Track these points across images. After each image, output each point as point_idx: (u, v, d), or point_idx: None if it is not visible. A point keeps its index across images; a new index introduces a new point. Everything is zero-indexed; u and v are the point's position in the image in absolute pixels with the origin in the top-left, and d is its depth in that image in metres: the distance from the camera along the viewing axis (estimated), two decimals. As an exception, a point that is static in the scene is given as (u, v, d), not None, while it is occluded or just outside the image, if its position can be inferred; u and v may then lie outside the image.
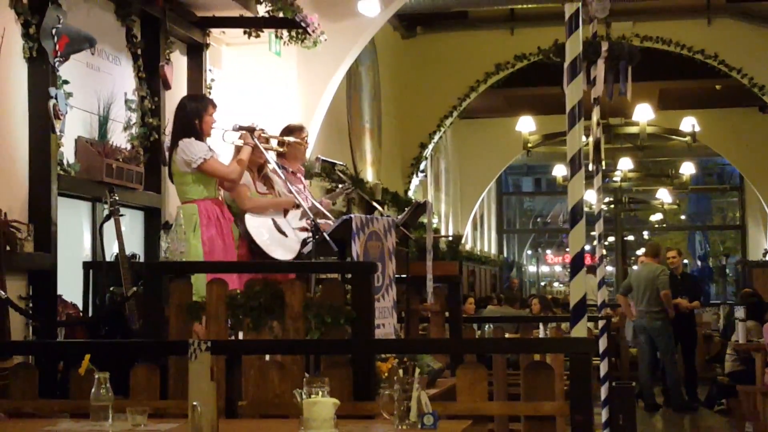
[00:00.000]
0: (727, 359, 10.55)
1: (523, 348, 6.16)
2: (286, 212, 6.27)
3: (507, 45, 15.30)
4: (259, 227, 6.05)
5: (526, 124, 13.36)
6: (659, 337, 11.11)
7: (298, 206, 6.07)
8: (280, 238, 6.09)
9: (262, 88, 9.00)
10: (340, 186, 7.04)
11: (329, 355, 4.65)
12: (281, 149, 6.40)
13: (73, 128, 6.68)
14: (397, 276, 5.76)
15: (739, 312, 10.46)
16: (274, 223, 6.14)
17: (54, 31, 6.13)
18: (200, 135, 5.88)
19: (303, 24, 8.25)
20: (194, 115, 5.90)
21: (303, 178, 6.73)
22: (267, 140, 6.22)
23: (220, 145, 6.20)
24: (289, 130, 6.71)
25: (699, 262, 30.90)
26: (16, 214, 5.90)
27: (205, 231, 5.72)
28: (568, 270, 4.08)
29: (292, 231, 6.16)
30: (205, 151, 5.79)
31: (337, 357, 4.60)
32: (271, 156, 6.17)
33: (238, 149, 6.01)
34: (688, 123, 13.83)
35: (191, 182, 5.82)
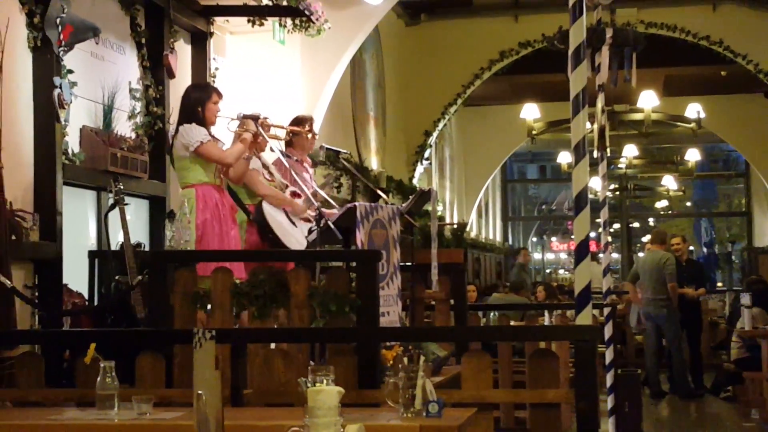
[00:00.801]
0: (733, 346, 10.54)
1: (528, 335, 6.15)
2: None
3: (511, 32, 15.25)
4: (275, 215, 6.08)
5: (531, 112, 13.34)
6: (666, 324, 11.10)
7: (307, 219, 6.11)
8: (291, 228, 6.13)
9: (266, 76, 9.00)
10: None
11: (334, 343, 4.66)
12: (285, 138, 6.41)
13: (78, 117, 6.69)
14: (401, 264, 5.76)
15: (745, 299, 10.44)
16: (286, 213, 6.18)
17: (58, 20, 6.13)
18: (203, 123, 5.88)
19: (307, 12, 8.24)
20: (197, 103, 5.91)
21: (309, 168, 6.75)
22: (271, 129, 6.23)
23: (226, 135, 6.20)
24: (297, 121, 6.72)
25: (705, 249, 30.87)
26: (22, 204, 5.91)
27: (200, 215, 5.71)
28: (573, 257, 4.07)
29: (300, 222, 6.20)
30: (203, 135, 5.78)
31: (342, 345, 4.61)
32: (276, 145, 6.17)
33: (238, 136, 6.02)
34: (693, 109, 13.80)
35: (189, 166, 5.83)
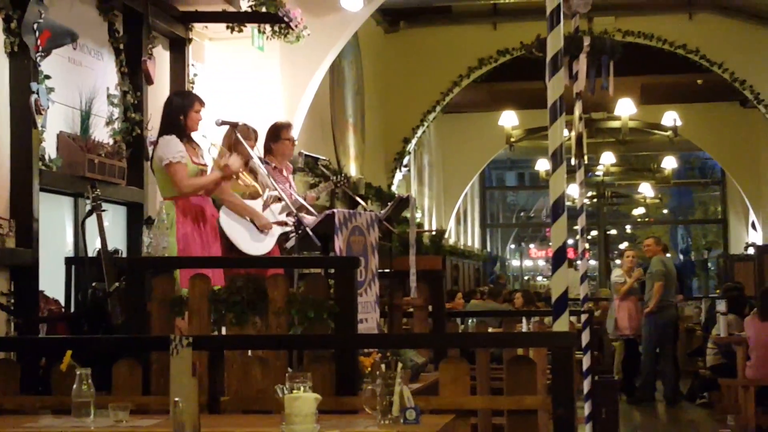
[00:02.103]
0: (709, 353, 10.60)
1: (506, 342, 6.15)
2: (265, 206, 6.25)
3: (490, 40, 15.33)
4: (232, 221, 6.02)
5: (509, 119, 13.40)
6: (669, 329, 11.19)
7: (284, 223, 6.07)
8: (254, 233, 6.06)
9: (245, 82, 8.98)
10: (328, 181, 7.02)
11: (312, 350, 4.65)
12: (263, 157, 6.37)
13: (55, 123, 6.65)
14: (380, 271, 5.76)
15: (721, 305, 10.50)
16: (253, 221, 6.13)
17: (35, 25, 6.10)
18: (184, 131, 5.84)
19: (286, 19, 8.24)
20: (179, 111, 5.87)
21: (289, 175, 6.73)
22: (250, 138, 6.19)
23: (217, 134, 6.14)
24: (276, 128, 6.69)
25: (681, 256, 31.05)
26: (-2, 210, 5.88)
27: (180, 228, 5.66)
28: (551, 264, 4.09)
29: (275, 229, 6.16)
30: (175, 153, 5.67)
31: (319, 352, 4.61)
32: (254, 152, 6.15)
33: (217, 166, 5.91)
34: (670, 117, 13.90)
35: (169, 179, 5.78)
